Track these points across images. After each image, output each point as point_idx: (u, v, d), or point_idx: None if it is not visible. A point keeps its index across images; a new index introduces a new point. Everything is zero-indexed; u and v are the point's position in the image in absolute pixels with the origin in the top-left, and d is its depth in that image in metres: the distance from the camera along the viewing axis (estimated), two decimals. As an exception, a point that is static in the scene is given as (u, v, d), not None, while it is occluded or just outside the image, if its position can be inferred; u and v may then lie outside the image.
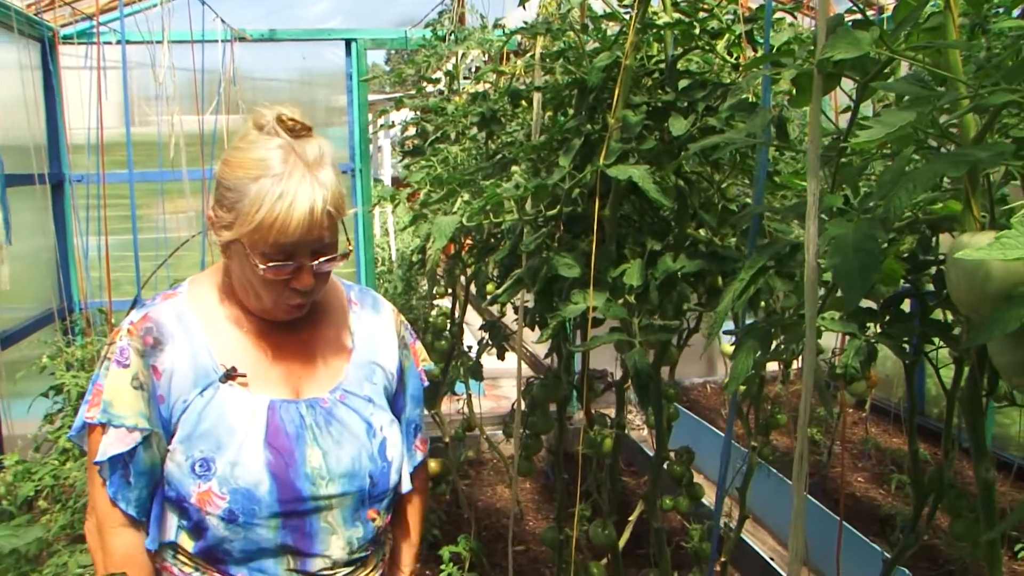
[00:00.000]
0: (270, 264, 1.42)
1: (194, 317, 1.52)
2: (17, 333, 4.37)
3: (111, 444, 1.44)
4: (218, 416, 1.47)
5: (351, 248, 1.53)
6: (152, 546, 1.51)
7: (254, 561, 1.48)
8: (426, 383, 1.83)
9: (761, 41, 1.89)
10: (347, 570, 1.56)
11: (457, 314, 3.83)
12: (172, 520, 1.50)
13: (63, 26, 5.05)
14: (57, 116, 5.06)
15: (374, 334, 1.68)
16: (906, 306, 1.63)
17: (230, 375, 1.49)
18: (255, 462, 1.45)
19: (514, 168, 2.06)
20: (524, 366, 2.82)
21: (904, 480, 4.36)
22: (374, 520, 1.58)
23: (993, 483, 1.26)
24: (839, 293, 1.30)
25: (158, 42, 4.51)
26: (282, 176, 1.39)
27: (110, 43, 4.87)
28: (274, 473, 1.45)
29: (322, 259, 1.46)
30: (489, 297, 2.34)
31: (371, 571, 1.62)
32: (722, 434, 4.88)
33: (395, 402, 1.70)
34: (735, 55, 1.91)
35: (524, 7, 1.95)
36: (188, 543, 1.49)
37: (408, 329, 1.79)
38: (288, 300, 1.49)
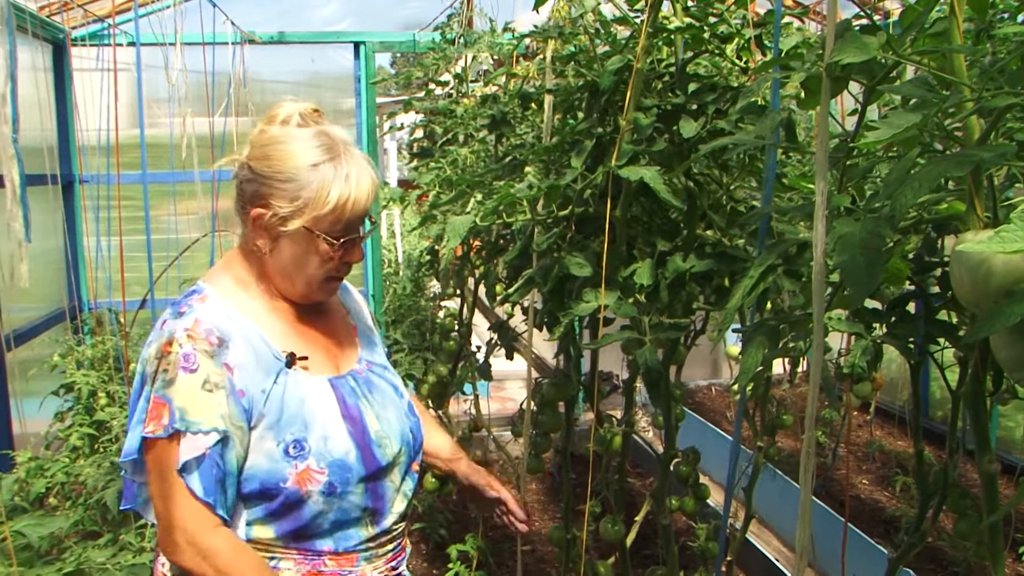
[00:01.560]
0: (342, 240, 1.54)
1: (237, 312, 1.57)
2: (28, 332, 4.41)
3: (187, 450, 1.44)
4: (298, 399, 1.53)
5: (375, 220, 1.67)
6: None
7: (341, 530, 1.56)
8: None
9: (769, 45, 1.92)
10: (402, 523, 1.70)
11: (465, 315, 3.85)
12: (242, 516, 1.53)
13: (75, 28, 5.10)
14: (68, 118, 5.11)
15: (355, 305, 1.83)
16: (911, 309, 1.66)
17: (292, 360, 1.57)
18: (341, 433, 1.55)
19: (527, 169, 2.09)
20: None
21: (908, 482, 4.37)
22: (417, 471, 1.72)
23: (995, 475, 1.29)
24: (846, 291, 1.33)
25: (170, 44, 4.55)
26: (339, 160, 1.52)
27: (121, 45, 4.91)
28: (357, 441, 1.56)
29: (365, 230, 1.62)
30: (500, 297, 2.37)
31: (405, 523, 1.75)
32: (727, 436, 4.91)
33: None
34: (744, 59, 1.94)
35: (538, 11, 1.98)
36: (266, 532, 1.53)
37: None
38: (339, 274, 1.61)
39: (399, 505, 1.65)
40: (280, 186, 1.51)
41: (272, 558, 1.53)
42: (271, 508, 1.52)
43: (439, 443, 1.94)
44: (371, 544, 1.61)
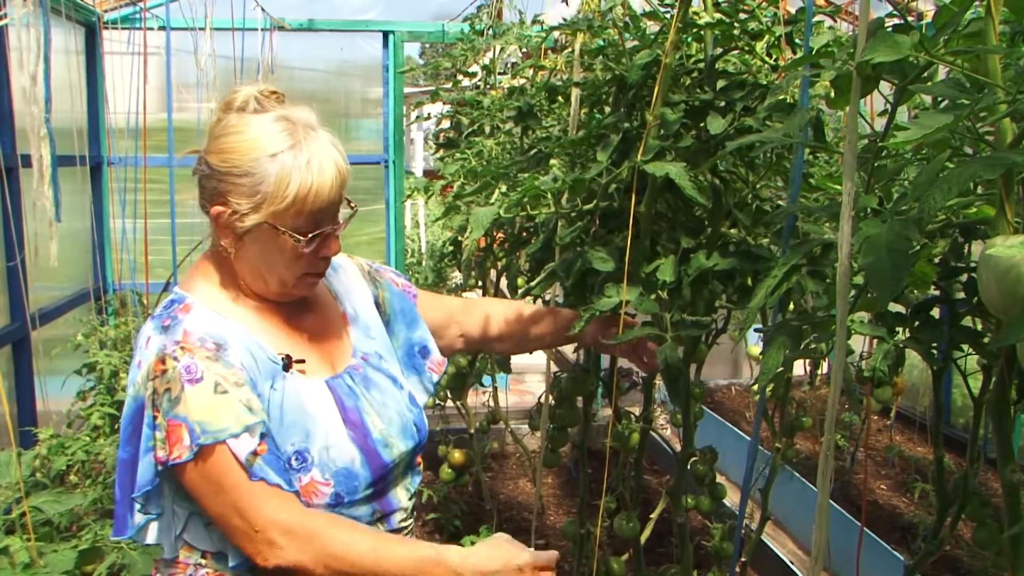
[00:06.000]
0: (309, 236, 1.41)
1: (224, 318, 1.46)
2: (53, 311, 4.45)
3: (239, 450, 1.35)
4: (298, 406, 1.44)
5: (355, 205, 1.53)
6: (174, 553, 1.46)
7: None
8: (414, 292, 1.80)
9: (800, 44, 1.90)
10: (410, 521, 1.61)
11: (486, 307, 3.85)
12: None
13: (107, 11, 5.13)
14: (98, 100, 5.14)
15: (348, 290, 1.69)
16: (935, 314, 1.64)
17: (288, 363, 1.47)
18: (344, 440, 1.45)
19: (553, 161, 2.09)
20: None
21: (927, 489, 4.34)
22: (419, 464, 1.63)
23: (1019, 485, 1.27)
24: (870, 294, 1.32)
25: (200, 29, 4.57)
26: (299, 145, 1.39)
27: (152, 29, 4.95)
28: (360, 446, 1.47)
29: (340, 220, 1.48)
30: (522, 289, 2.37)
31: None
32: (745, 437, 4.89)
33: (391, 336, 1.71)
34: (774, 57, 1.92)
35: (567, 3, 1.98)
36: None
37: (372, 264, 1.79)
38: (315, 270, 1.49)
39: (405, 502, 1.58)
40: (237, 181, 1.39)
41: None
42: None
43: (547, 319, 1.89)
44: None
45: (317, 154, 1.39)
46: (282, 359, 1.46)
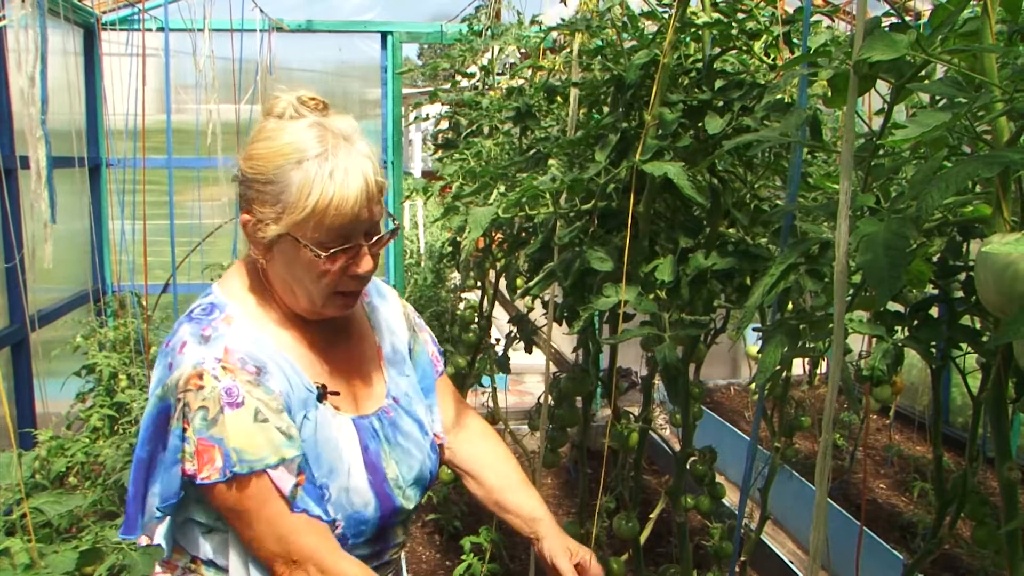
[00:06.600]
0: (331, 251, 1.34)
1: (265, 336, 1.41)
2: (52, 313, 4.45)
3: (283, 481, 1.33)
4: (328, 440, 1.40)
5: (398, 223, 1.47)
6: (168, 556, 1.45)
7: None
8: (440, 369, 1.74)
9: (798, 43, 1.91)
10: (401, 548, 1.59)
11: (485, 307, 3.86)
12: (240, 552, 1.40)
13: (105, 13, 5.13)
14: (97, 101, 5.15)
15: (389, 322, 1.64)
16: (933, 313, 1.64)
17: (323, 394, 1.42)
18: (363, 484, 1.42)
19: (551, 162, 2.09)
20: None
21: (926, 488, 4.34)
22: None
23: (1016, 482, 1.27)
24: (868, 292, 1.32)
25: (199, 30, 4.57)
26: (326, 154, 1.31)
27: (150, 30, 4.95)
28: (376, 492, 1.44)
29: (376, 237, 1.40)
30: (520, 290, 2.37)
31: None
32: (744, 436, 4.89)
33: None
34: (772, 56, 1.92)
35: (566, 3, 1.98)
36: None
37: (414, 313, 1.74)
38: (345, 288, 1.41)
39: (400, 536, 1.56)
40: (262, 189, 1.34)
41: None
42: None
43: (520, 500, 1.71)
44: None
45: (344, 164, 1.32)
46: (318, 388, 1.42)
